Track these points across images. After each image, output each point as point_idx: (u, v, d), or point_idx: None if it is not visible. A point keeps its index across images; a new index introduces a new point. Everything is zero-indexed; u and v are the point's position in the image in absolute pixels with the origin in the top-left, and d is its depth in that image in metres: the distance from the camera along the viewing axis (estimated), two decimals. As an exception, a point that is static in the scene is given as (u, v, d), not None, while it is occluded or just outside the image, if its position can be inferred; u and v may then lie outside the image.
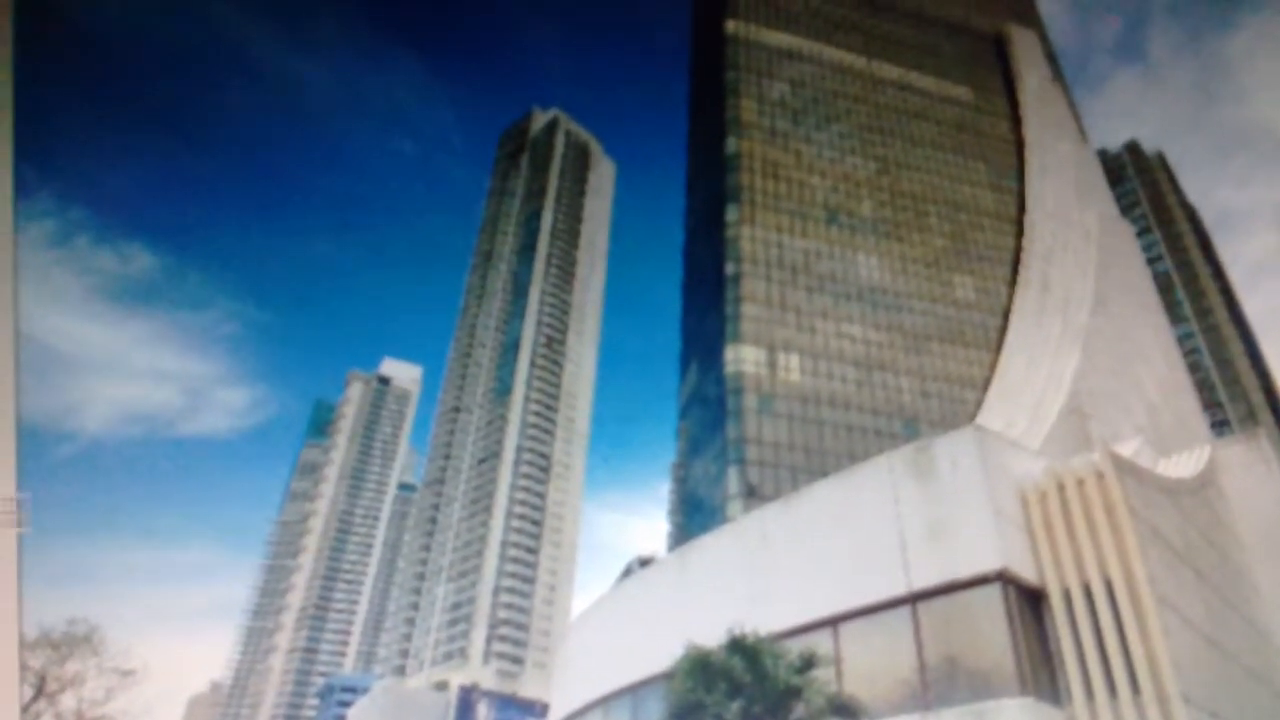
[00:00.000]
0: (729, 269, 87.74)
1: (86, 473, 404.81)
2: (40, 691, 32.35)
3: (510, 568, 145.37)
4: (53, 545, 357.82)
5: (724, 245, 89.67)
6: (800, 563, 24.26)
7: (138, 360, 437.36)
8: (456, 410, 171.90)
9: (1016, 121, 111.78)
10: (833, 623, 22.24)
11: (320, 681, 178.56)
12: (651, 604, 30.25)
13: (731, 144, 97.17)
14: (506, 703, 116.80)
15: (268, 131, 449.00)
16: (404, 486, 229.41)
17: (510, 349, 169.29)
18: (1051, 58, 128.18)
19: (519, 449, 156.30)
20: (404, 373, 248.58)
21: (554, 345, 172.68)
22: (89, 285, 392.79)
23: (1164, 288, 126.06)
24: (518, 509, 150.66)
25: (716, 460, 78.32)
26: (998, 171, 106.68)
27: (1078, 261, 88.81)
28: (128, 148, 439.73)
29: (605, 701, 30.03)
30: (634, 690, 27.91)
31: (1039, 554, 20.92)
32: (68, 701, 33.02)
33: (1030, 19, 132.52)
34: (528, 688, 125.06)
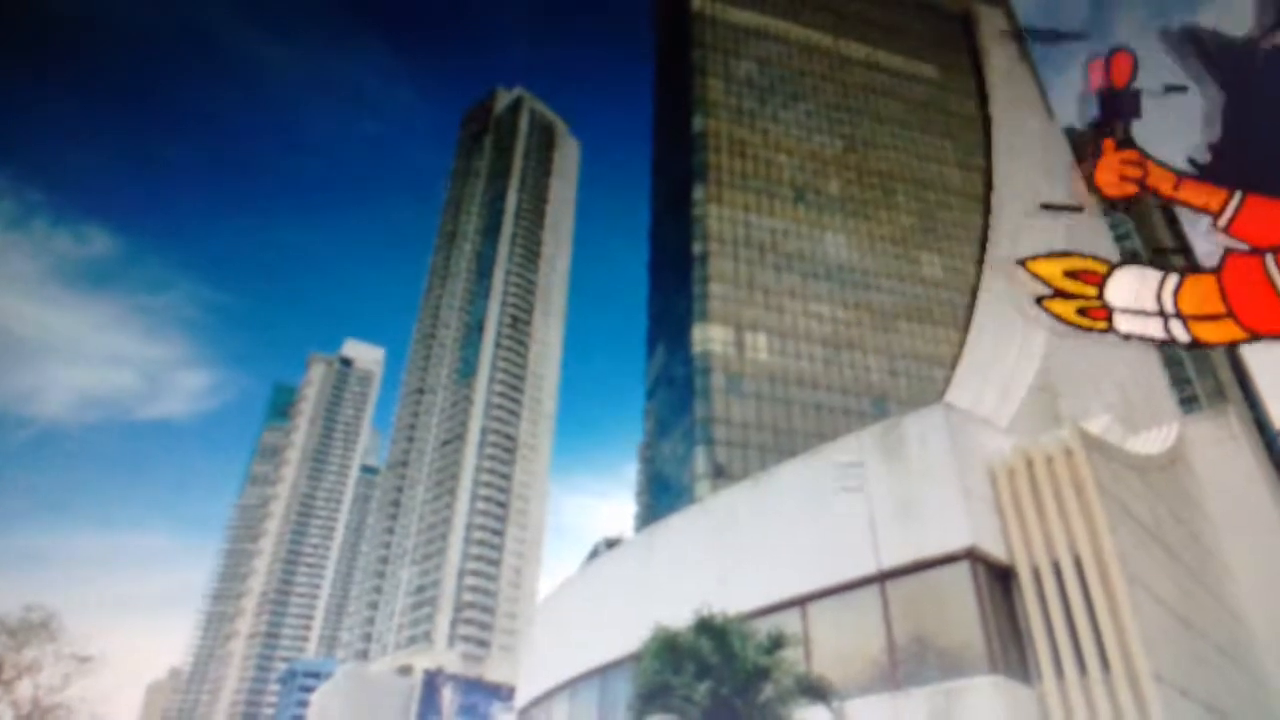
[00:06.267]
0: (696, 248, 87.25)
1: (43, 458, 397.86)
2: (-4, 678, 31.72)
3: (475, 550, 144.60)
4: (8, 531, 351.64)
5: (691, 224, 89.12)
6: (768, 542, 23.97)
7: (96, 344, 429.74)
8: (420, 392, 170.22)
9: (983, 100, 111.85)
10: (801, 602, 21.96)
11: (282, 667, 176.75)
12: (619, 586, 29.87)
13: (698, 123, 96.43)
14: (472, 686, 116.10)
15: (228, 112, 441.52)
16: (367, 469, 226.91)
17: (475, 330, 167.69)
18: (1018, 36, 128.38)
19: (484, 430, 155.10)
20: (366, 354, 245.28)
21: (519, 326, 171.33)
22: (46, 268, 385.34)
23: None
24: (483, 491, 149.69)
25: (684, 440, 78.08)
26: (965, 149, 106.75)
27: (1045, 239, 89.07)
28: (86, 128, 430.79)
29: (572, 684, 29.68)
30: (601, 673, 27.56)
31: (1008, 532, 20.65)
32: (24, 688, 32.38)
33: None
34: (494, 671, 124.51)
